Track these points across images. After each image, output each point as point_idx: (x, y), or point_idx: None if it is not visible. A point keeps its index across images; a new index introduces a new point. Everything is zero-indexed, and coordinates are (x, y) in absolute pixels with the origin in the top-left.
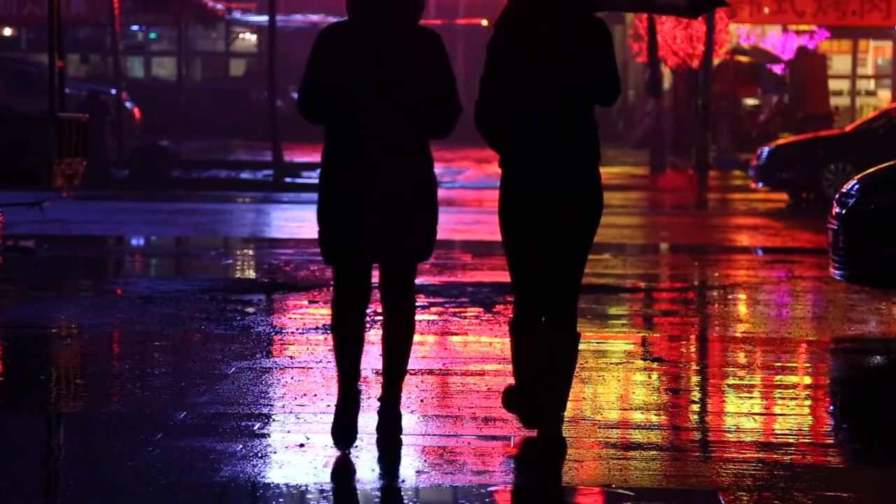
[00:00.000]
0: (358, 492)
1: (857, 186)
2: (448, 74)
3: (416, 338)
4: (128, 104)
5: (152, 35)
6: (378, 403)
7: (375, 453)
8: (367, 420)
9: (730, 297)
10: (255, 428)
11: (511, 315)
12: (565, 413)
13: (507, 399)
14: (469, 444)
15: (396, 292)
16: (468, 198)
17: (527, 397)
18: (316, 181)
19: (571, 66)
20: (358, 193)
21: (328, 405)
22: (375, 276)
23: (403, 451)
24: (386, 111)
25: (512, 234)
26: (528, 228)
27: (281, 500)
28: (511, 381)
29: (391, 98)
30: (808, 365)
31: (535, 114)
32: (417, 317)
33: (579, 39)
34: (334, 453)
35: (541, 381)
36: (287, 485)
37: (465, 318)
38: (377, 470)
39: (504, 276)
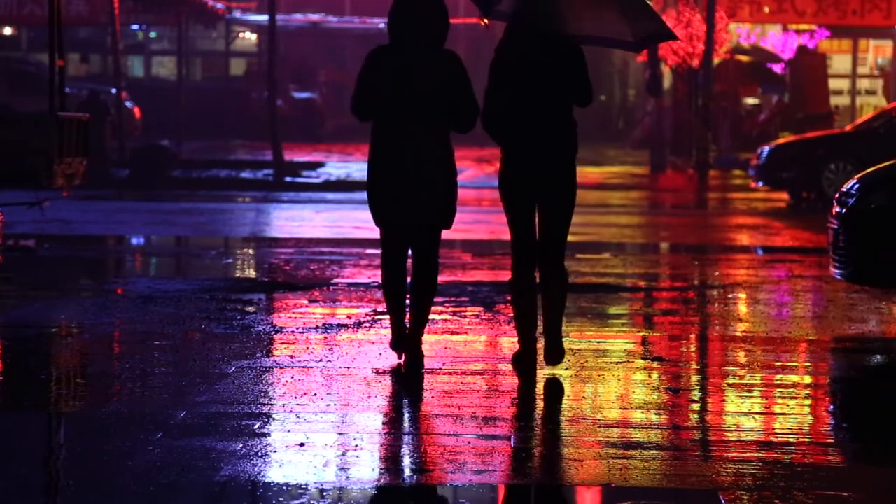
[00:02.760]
0: (358, 492)
1: (857, 186)
2: (466, 84)
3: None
4: (128, 104)
5: (152, 34)
6: (378, 403)
7: (375, 453)
8: (368, 420)
9: (730, 296)
10: (256, 427)
11: (511, 276)
12: (564, 413)
13: (514, 360)
14: (469, 443)
15: (424, 254)
16: (468, 197)
17: (528, 345)
18: (316, 181)
19: (554, 79)
20: (395, 174)
21: (328, 404)
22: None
23: (403, 450)
24: (416, 112)
25: (510, 205)
26: (521, 200)
27: (281, 499)
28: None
29: (420, 102)
30: (809, 364)
31: (527, 115)
32: None
33: (559, 58)
34: (334, 452)
35: (534, 322)
36: (287, 484)
37: (465, 317)
38: (377, 470)
39: (502, 276)
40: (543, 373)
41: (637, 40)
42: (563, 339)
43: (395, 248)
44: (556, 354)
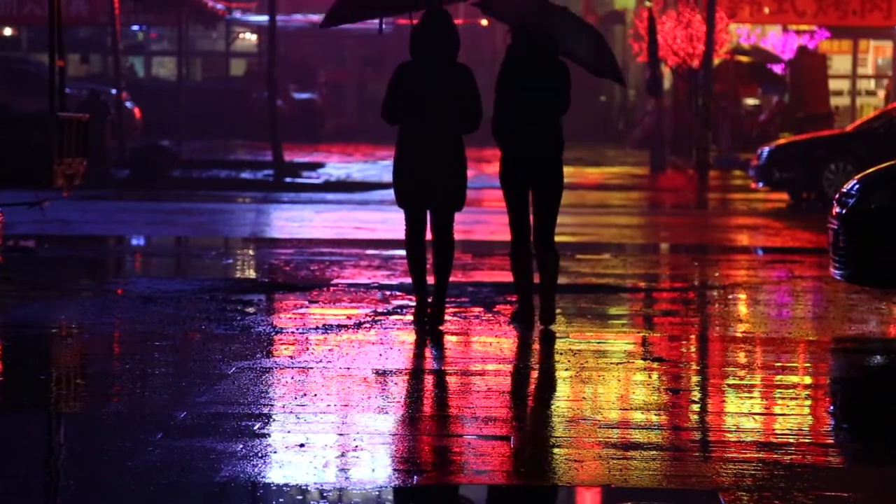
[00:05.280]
0: (358, 492)
1: (857, 186)
2: (474, 93)
3: (416, 338)
4: (128, 104)
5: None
6: (378, 403)
7: (375, 454)
8: (368, 420)
9: (730, 296)
10: (256, 428)
11: (510, 249)
12: (564, 414)
13: (513, 317)
14: (469, 443)
15: (442, 232)
16: (469, 197)
17: (525, 303)
18: (316, 181)
19: (546, 94)
20: (416, 167)
21: (328, 405)
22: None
23: (404, 451)
24: (433, 117)
25: (509, 195)
26: (518, 190)
27: (281, 500)
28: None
29: (436, 108)
30: (809, 365)
31: (523, 121)
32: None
33: (550, 75)
34: (334, 453)
35: (530, 284)
36: (287, 485)
37: (465, 317)
38: (377, 470)
39: (502, 277)
40: (544, 372)
41: (597, 69)
42: (564, 340)
43: (416, 226)
44: (549, 315)
